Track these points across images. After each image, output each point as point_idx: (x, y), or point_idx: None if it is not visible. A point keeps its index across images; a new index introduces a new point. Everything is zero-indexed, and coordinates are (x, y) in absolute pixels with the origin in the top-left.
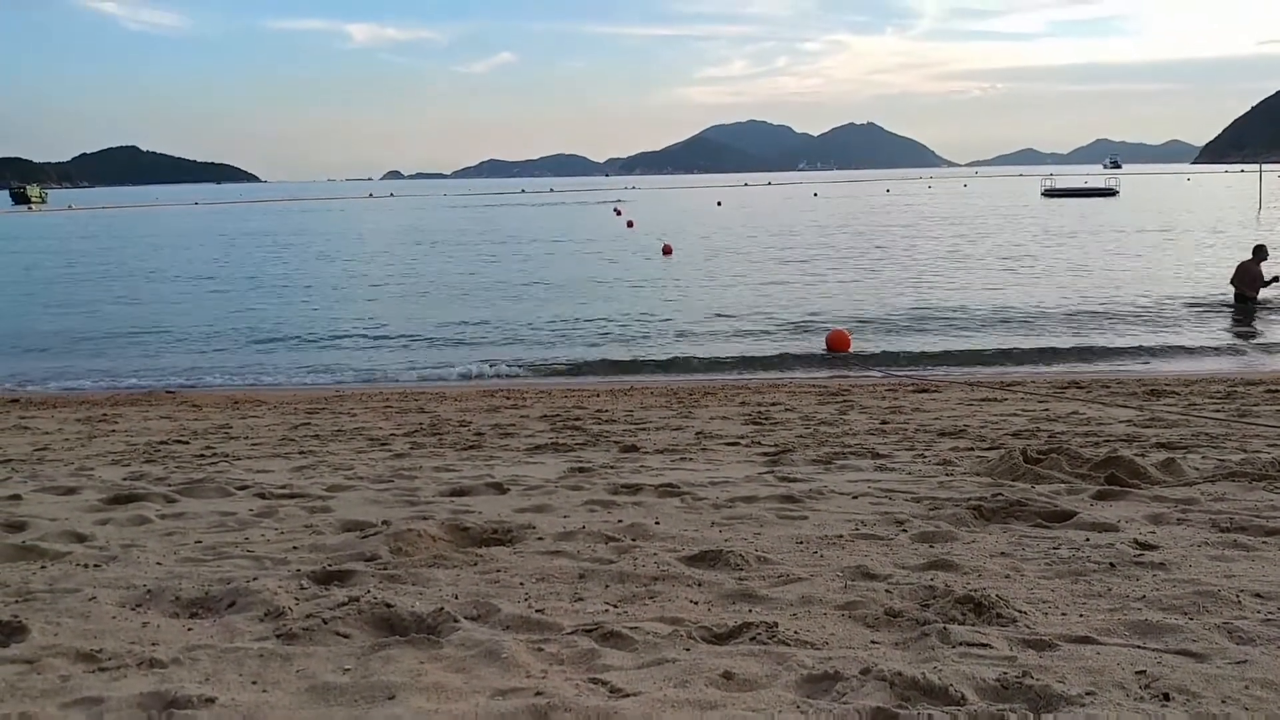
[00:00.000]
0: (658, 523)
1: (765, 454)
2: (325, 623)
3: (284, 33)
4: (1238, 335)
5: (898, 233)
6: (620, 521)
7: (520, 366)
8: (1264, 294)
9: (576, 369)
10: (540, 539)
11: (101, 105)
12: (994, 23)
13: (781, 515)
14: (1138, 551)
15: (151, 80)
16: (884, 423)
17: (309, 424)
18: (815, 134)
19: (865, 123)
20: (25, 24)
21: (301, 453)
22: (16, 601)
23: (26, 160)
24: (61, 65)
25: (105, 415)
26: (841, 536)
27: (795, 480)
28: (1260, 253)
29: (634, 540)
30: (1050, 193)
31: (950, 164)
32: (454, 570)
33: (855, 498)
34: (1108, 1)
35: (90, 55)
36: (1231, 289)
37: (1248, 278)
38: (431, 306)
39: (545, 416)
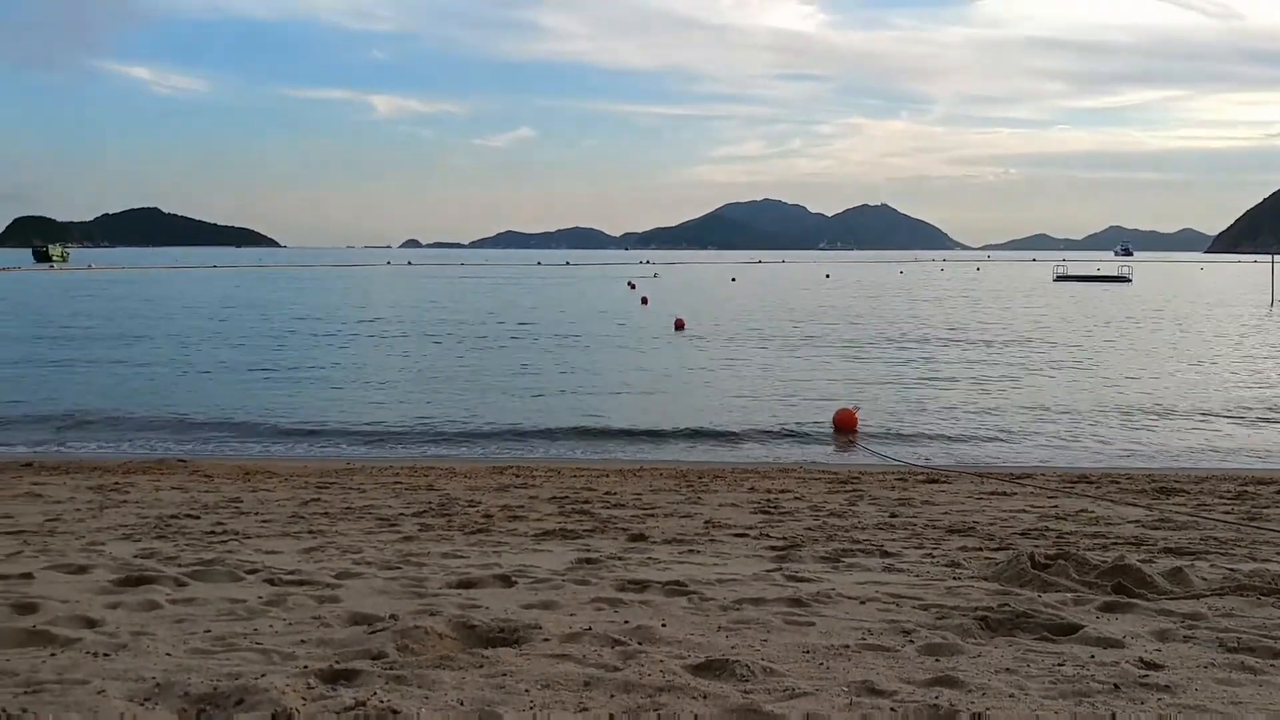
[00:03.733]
0: (664, 625)
1: (773, 548)
2: None
3: (308, 101)
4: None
5: (910, 314)
6: (627, 623)
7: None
8: None
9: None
10: (546, 640)
11: (126, 167)
12: (1007, 110)
13: (789, 620)
14: (1143, 672)
15: (176, 144)
16: (893, 515)
17: (319, 499)
18: (829, 214)
19: (879, 204)
20: (54, 86)
21: (311, 532)
22: (24, 693)
23: (50, 219)
24: (88, 127)
25: (117, 484)
26: (848, 646)
27: (803, 580)
28: None
29: (640, 644)
30: (1063, 278)
31: (963, 246)
32: (460, 672)
33: (863, 602)
34: (1121, 93)
35: (117, 118)
36: None
37: None
38: (427, 380)
39: (554, 498)
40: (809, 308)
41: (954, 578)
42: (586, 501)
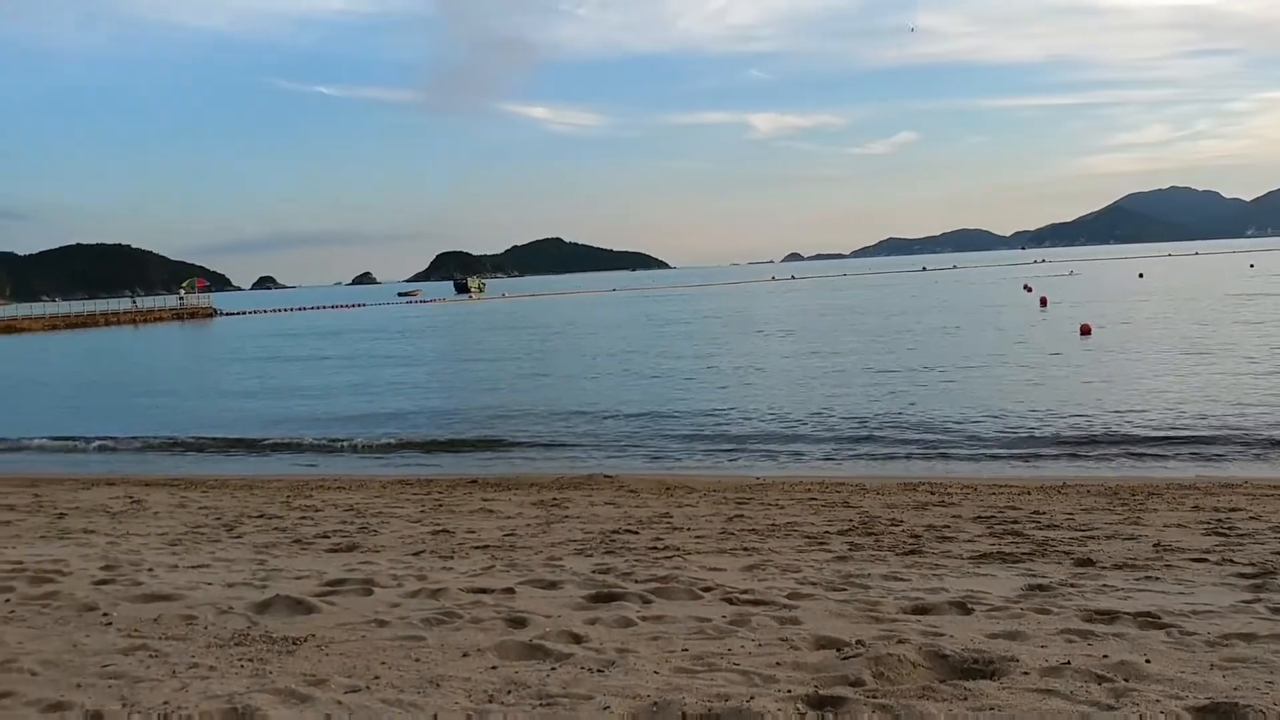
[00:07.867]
0: (1149, 661)
1: (1242, 574)
2: None
3: (691, 126)
4: None
5: None
6: (1106, 657)
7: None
8: None
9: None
10: (1025, 673)
11: (529, 201)
12: None
13: None
14: None
15: (573, 176)
16: None
17: (742, 515)
18: (1248, 198)
19: None
20: (465, 131)
21: (745, 549)
22: (540, 705)
23: (467, 253)
24: (495, 166)
25: (555, 499)
26: None
27: None
28: None
29: (1128, 681)
30: None
31: None
32: (945, 704)
33: None
34: None
35: (520, 156)
36: None
37: None
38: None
39: (979, 518)
40: (1235, 304)
41: None
42: (1015, 521)
